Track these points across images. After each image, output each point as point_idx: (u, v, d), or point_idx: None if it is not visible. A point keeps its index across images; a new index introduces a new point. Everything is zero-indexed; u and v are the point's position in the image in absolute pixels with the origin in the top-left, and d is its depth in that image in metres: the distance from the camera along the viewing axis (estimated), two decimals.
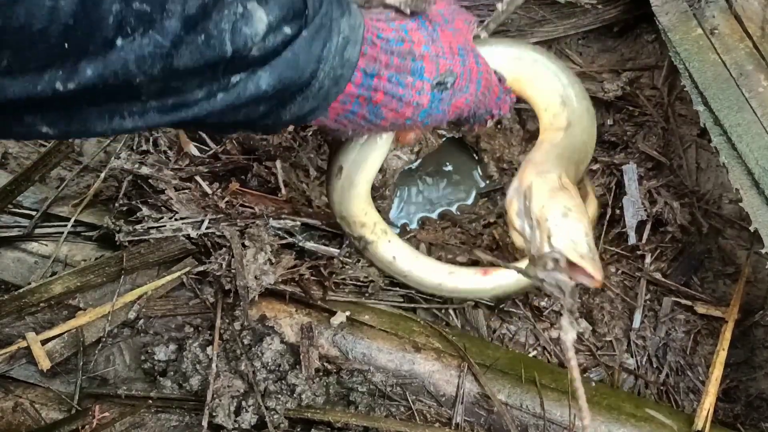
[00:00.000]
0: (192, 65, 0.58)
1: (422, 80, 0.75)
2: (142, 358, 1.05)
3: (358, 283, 1.09)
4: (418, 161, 1.38)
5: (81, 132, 0.59)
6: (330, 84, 0.69)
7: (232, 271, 1.00)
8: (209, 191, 1.10)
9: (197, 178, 1.10)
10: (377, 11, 0.77)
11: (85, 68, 0.52)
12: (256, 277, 1.00)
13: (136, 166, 1.10)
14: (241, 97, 0.63)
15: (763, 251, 0.96)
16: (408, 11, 0.76)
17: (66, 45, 0.49)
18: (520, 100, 0.91)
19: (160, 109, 0.60)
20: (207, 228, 1.06)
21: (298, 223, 1.09)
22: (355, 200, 0.93)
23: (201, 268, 1.05)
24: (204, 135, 1.17)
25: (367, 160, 0.89)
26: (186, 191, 1.10)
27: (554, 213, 0.71)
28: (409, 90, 0.74)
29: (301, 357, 1.00)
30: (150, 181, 1.10)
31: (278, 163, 1.17)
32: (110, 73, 0.53)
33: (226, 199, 1.09)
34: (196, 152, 1.14)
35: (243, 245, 1.01)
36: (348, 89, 0.72)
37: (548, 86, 0.89)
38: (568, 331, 0.71)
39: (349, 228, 0.97)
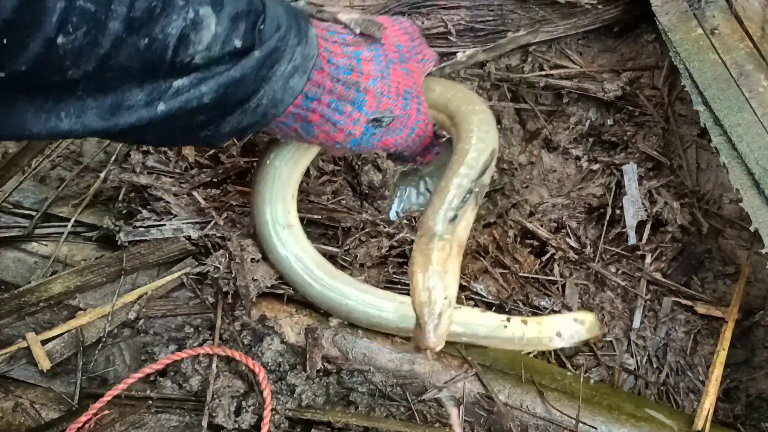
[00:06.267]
0: (128, 65, 0.55)
1: (360, 112, 0.75)
2: (142, 358, 1.05)
3: None
4: None
5: (18, 130, 0.56)
6: (268, 105, 0.68)
7: (232, 272, 1.00)
8: (204, 204, 1.09)
9: (195, 193, 1.10)
10: (329, 26, 0.75)
11: (20, 64, 0.49)
12: (254, 279, 1.00)
13: (134, 176, 1.09)
14: (182, 109, 0.61)
15: (764, 251, 0.96)
16: (357, 31, 0.74)
17: (4, 41, 0.46)
18: None
19: (98, 112, 0.58)
20: (207, 229, 1.06)
21: None
22: (282, 194, 0.95)
23: (200, 269, 1.05)
24: None
25: (299, 161, 0.94)
26: (185, 196, 1.10)
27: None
28: (345, 118, 0.75)
29: (307, 358, 1.00)
30: (148, 190, 1.09)
31: None
32: (42, 67, 0.50)
33: (228, 203, 1.09)
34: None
35: (241, 246, 1.01)
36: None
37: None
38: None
39: (263, 223, 0.96)
